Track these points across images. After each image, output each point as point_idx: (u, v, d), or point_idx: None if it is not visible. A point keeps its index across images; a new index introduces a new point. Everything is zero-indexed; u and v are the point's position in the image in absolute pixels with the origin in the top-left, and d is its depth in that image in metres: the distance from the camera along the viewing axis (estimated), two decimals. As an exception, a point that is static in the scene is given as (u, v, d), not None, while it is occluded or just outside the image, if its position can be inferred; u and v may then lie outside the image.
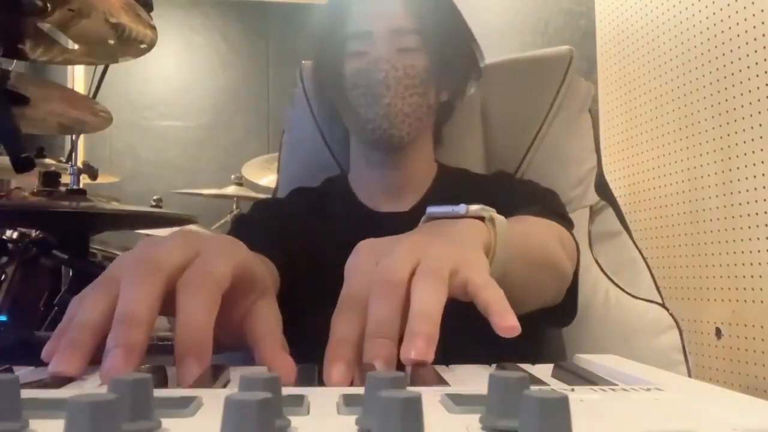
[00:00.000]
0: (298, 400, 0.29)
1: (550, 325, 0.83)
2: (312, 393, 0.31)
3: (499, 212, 0.84)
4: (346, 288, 0.46)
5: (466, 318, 0.45)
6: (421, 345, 0.39)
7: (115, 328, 0.39)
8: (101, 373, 0.39)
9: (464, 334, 0.55)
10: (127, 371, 0.38)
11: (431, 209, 0.59)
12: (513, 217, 0.75)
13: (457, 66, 0.91)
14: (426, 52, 0.85)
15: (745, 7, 1.42)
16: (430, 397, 0.30)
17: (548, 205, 0.85)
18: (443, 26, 0.87)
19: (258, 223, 0.90)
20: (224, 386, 0.38)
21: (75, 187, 1.56)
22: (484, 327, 0.43)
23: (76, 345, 0.39)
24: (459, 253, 0.47)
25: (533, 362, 0.45)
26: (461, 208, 0.56)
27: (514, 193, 0.88)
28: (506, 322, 0.41)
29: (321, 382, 0.40)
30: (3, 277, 1.47)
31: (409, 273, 0.44)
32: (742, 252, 1.44)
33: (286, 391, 0.29)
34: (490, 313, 0.42)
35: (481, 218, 0.56)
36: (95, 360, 0.40)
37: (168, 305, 0.42)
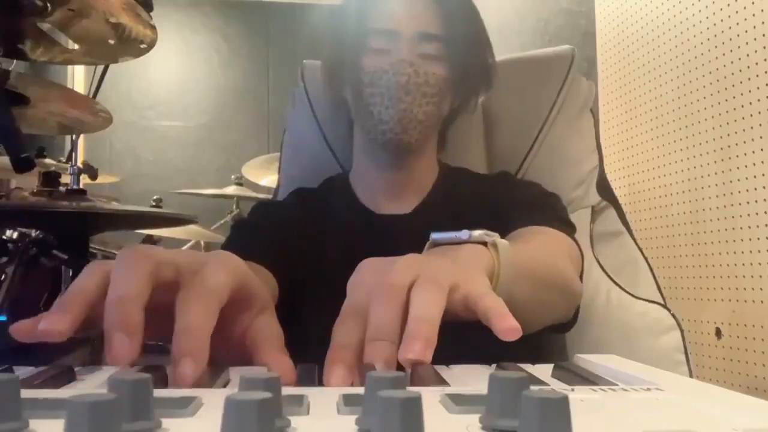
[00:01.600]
0: (298, 400, 0.29)
1: (550, 332, 0.84)
2: (312, 393, 0.31)
3: (501, 213, 0.84)
4: (348, 300, 0.46)
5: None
6: (419, 346, 0.39)
7: (108, 310, 0.39)
8: (111, 355, 0.38)
9: (464, 333, 0.55)
10: (132, 350, 0.38)
11: (435, 236, 0.59)
12: (520, 232, 0.75)
13: (474, 78, 0.90)
14: (447, 62, 0.84)
15: (745, 7, 1.42)
16: (430, 397, 0.30)
17: (551, 210, 0.85)
18: (468, 37, 0.86)
19: (257, 229, 0.89)
20: (224, 386, 0.38)
21: (75, 187, 1.56)
22: (484, 327, 0.43)
23: (66, 307, 0.39)
24: (459, 270, 0.48)
25: (533, 362, 0.45)
26: (464, 234, 0.56)
27: (516, 195, 0.88)
28: (507, 324, 0.41)
29: (321, 382, 0.40)
30: (3, 277, 1.47)
31: (409, 281, 0.44)
32: (742, 252, 1.44)
33: (286, 391, 0.29)
34: (490, 317, 0.42)
35: (484, 243, 0.56)
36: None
37: (159, 322, 0.42)
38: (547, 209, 0.84)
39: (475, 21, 0.90)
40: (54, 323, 0.38)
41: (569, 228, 0.83)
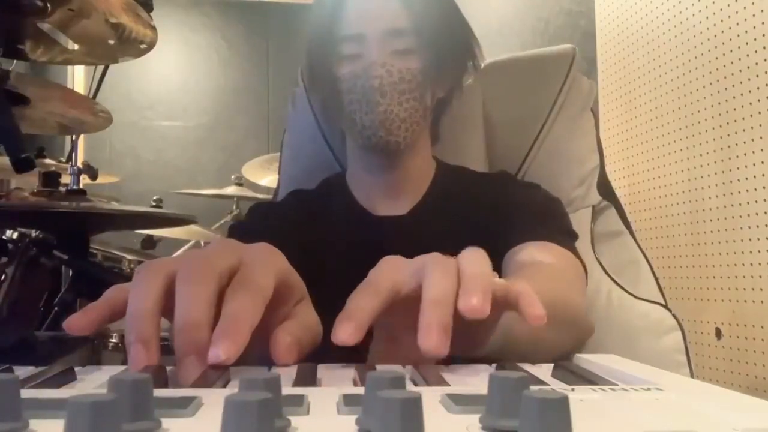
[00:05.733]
0: (298, 400, 0.29)
1: None
2: (312, 393, 0.31)
3: (500, 215, 0.84)
4: (368, 277, 0.47)
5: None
6: (478, 297, 0.40)
7: (126, 325, 0.40)
8: (130, 362, 0.39)
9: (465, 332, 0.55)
10: (147, 358, 0.39)
11: None
12: (527, 254, 0.75)
13: (454, 63, 0.89)
14: (421, 53, 0.83)
15: (745, 7, 1.42)
16: (430, 397, 0.30)
17: (554, 221, 0.84)
18: (438, 25, 0.85)
19: (254, 231, 0.88)
20: (224, 386, 0.38)
21: (75, 187, 1.56)
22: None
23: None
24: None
25: (533, 362, 0.45)
26: None
27: (518, 199, 0.87)
28: (536, 311, 0.43)
29: (321, 383, 0.40)
30: (3, 277, 1.47)
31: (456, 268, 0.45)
32: (742, 252, 1.44)
33: (286, 391, 0.29)
34: (520, 301, 0.44)
35: None
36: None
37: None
38: (550, 220, 0.84)
39: (445, 6, 0.88)
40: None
41: (572, 239, 0.83)
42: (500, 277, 0.78)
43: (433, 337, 0.40)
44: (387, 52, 0.82)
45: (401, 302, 0.45)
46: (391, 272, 0.46)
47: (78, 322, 0.42)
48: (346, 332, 0.41)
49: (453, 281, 0.43)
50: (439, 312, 0.41)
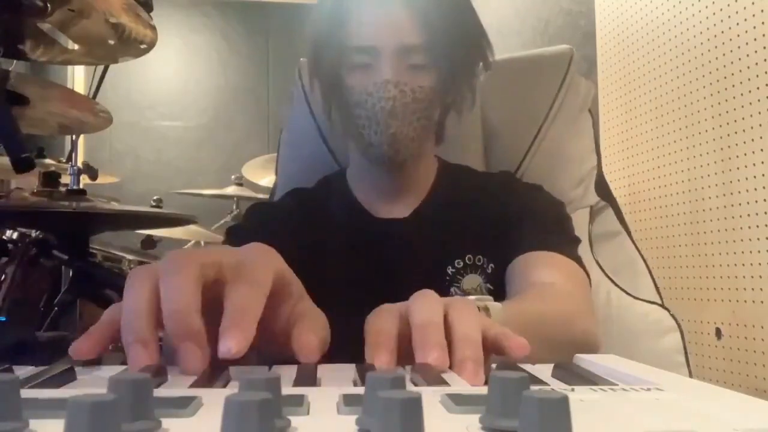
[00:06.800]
0: (298, 400, 0.29)
1: None
2: (312, 393, 0.31)
3: (502, 217, 0.84)
4: (373, 312, 0.48)
5: None
6: (472, 369, 0.41)
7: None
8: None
9: None
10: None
11: None
12: (531, 284, 0.76)
13: (466, 74, 0.87)
14: (433, 69, 0.80)
15: (745, 7, 1.42)
16: (430, 397, 0.30)
17: (558, 227, 0.84)
18: (451, 38, 0.81)
19: (253, 233, 0.87)
20: (224, 386, 0.38)
21: (75, 187, 1.56)
22: None
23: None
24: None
25: (533, 362, 0.45)
26: None
27: (521, 202, 0.86)
28: (515, 342, 0.44)
29: (321, 383, 0.40)
30: (3, 277, 1.47)
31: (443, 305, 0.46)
32: (742, 252, 1.44)
33: (286, 391, 0.29)
34: (501, 340, 0.44)
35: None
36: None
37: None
38: (555, 227, 0.83)
39: (458, 14, 0.84)
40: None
41: (576, 247, 0.83)
42: (505, 286, 0.79)
43: (433, 354, 0.41)
44: (400, 68, 0.79)
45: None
46: (393, 306, 0.48)
47: (82, 347, 0.43)
48: (383, 362, 0.42)
49: (438, 305, 0.45)
50: (431, 331, 0.42)
